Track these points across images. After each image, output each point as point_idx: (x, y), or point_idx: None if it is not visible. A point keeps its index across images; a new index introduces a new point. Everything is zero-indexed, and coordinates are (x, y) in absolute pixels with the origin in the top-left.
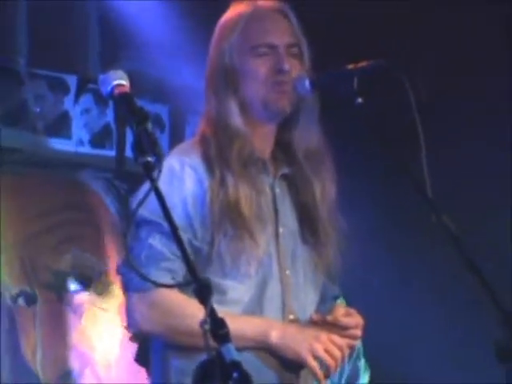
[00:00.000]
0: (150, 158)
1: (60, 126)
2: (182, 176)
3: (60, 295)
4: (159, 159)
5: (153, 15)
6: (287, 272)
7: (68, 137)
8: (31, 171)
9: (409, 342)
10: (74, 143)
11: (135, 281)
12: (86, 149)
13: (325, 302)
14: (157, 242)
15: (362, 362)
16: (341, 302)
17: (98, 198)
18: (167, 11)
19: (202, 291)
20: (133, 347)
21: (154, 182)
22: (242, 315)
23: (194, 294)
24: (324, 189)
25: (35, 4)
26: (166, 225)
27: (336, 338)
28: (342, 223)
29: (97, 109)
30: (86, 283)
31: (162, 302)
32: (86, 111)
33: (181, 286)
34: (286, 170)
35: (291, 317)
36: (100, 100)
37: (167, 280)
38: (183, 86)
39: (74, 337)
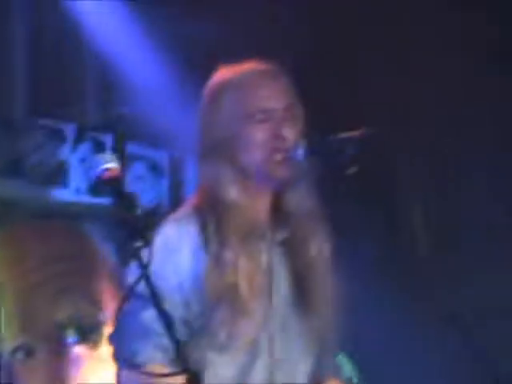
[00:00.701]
0: (139, 244)
1: (57, 175)
2: (178, 246)
3: (59, 346)
4: (147, 245)
5: (150, 62)
6: (277, 344)
7: (65, 186)
8: (29, 222)
9: None
10: (72, 192)
11: (125, 356)
12: (84, 197)
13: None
14: (148, 316)
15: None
16: (342, 357)
17: (96, 247)
18: (165, 58)
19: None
20: None
21: (144, 268)
22: None
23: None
24: (320, 254)
25: (34, 54)
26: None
27: None
28: (337, 288)
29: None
30: (85, 334)
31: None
32: (84, 160)
33: (169, 376)
34: (283, 235)
35: None
36: (98, 148)
37: (158, 357)
38: (182, 130)
39: None
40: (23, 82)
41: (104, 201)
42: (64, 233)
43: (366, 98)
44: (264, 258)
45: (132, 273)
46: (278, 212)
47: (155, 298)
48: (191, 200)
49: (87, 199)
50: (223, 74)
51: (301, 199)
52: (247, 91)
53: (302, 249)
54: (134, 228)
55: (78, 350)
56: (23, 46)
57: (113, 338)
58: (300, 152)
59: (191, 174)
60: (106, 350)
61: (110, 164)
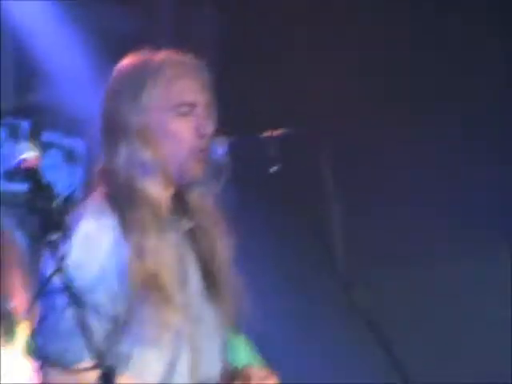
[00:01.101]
0: (55, 237)
1: None
2: (98, 239)
3: None
4: (66, 237)
5: (68, 50)
6: (196, 334)
7: None
8: None
9: None
10: None
11: (51, 354)
12: None
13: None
14: (70, 315)
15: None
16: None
17: (5, 235)
18: (83, 46)
19: (107, 379)
20: None
21: (59, 261)
22: None
23: (98, 379)
24: (223, 243)
25: None
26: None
27: None
28: (241, 277)
29: (9, 143)
30: None
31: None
32: None
33: (87, 371)
34: (188, 225)
35: None
36: (13, 134)
37: (84, 355)
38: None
39: None
40: None
41: (16, 188)
42: None
43: (286, 95)
44: (176, 247)
45: (47, 265)
46: (181, 202)
47: (70, 293)
48: (99, 188)
49: (2, 185)
50: (144, 57)
51: (204, 195)
52: (170, 80)
53: (206, 240)
54: (49, 219)
55: None
56: None
57: (35, 336)
58: (220, 151)
59: None
60: (13, 339)
61: (28, 153)
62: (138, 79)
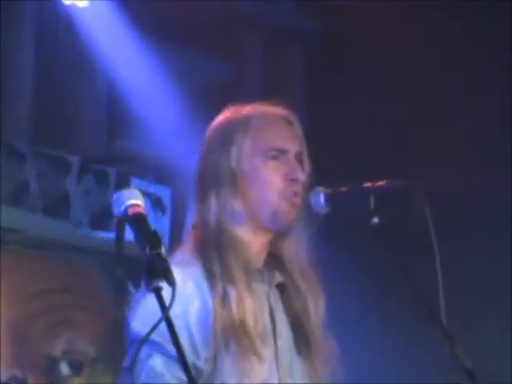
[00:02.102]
0: (162, 284)
1: (60, 206)
2: (184, 292)
3: (51, 380)
4: (171, 286)
5: (158, 97)
6: None
7: (67, 217)
8: (30, 251)
9: None
10: (73, 224)
11: None
12: (85, 230)
13: None
14: (158, 363)
15: None
16: None
17: (93, 282)
18: (172, 93)
19: None
20: None
21: (165, 310)
22: None
23: None
24: (317, 301)
25: (41, 83)
26: (169, 347)
27: None
28: (333, 341)
29: (97, 190)
30: (78, 369)
31: None
32: (87, 192)
33: None
34: (279, 279)
35: None
36: (101, 181)
37: None
38: (186, 168)
39: None
40: (29, 111)
41: (104, 234)
42: (63, 265)
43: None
44: (266, 299)
45: (138, 315)
46: (274, 255)
47: (176, 340)
48: (189, 241)
49: (88, 232)
50: (235, 111)
51: (296, 248)
52: (262, 129)
53: (297, 298)
54: (155, 266)
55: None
56: (30, 75)
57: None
58: (319, 200)
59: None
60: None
61: (135, 200)
62: (229, 131)
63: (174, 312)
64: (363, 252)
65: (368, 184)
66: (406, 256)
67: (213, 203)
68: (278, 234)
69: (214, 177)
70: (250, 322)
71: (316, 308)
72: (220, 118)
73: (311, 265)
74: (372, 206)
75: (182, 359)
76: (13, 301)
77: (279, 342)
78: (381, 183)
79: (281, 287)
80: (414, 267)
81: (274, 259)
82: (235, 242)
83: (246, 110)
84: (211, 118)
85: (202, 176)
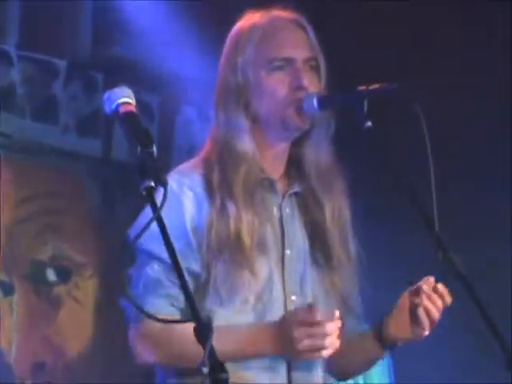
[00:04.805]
0: (153, 184)
1: (47, 111)
2: (180, 198)
3: (38, 286)
4: (162, 185)
5: (148, 3)
6: (293, 297)
7: (55, 123)
8: (17, 156)
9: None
10: (61, 129)
11: (132, 313)
12: (72, 135)
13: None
14: (154, 270)
15: None
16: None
17: (81, 187)
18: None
19: (202, 331)
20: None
21: (157, 209)
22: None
23: (193, 333)
24: (336, 210)
25: None
26: (164, 255)
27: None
28: (357, 249)
29: (85, 95)
30: (65, 275)
31: (153, 332)
32: (75, 97)
33: (179, 323)
34: (296, 188)
35: None
36: (89, 86)
37: (167, 306)
38: (175, 75)
39: (50, 329)
40: (17, 15)
41: (92, 139)
42: (50, 170)
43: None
44: (274, 211)
45: (138, 224)
46: (295, 164)
47: (167, 240)
48: (201, 151)
49: (75, 137)
50: (249, 18)
51: (316, 153)
52: (270, 38)
53: (316, 207)
54: (146, 166)
55: (58, 290)
56: None
57: (122, 299)
58: (312, 104)
59: (182, 120)
60: (85, 293)
61: (127, 98)
62: (234, 42)
63: (170, 215)
64: (356, 157)
65: (362, 87)
66: (400, 160)
67: (220, 118)
68: (296, 142)
69: (222, 91)
70: (246, 235)
71: (334, 216)
72: (235, 27)
73: (333, 171)
74: (365, 109)
75: (174, 263)
76: (2, 207)
77: (288, 252)
78: (375, 86)
79: (298, 197)
80: (407, 171)
81: (296, 168)
82: (236, 157)
83: (255, 16)
84: (201, 23)
85: (216, 91)
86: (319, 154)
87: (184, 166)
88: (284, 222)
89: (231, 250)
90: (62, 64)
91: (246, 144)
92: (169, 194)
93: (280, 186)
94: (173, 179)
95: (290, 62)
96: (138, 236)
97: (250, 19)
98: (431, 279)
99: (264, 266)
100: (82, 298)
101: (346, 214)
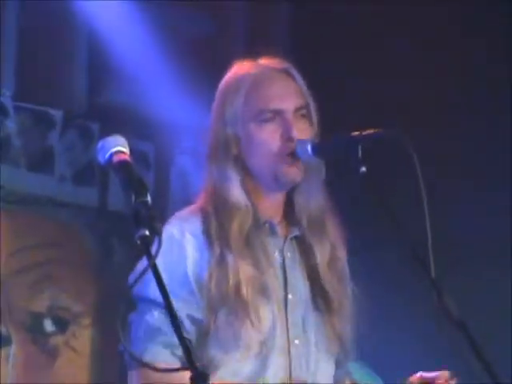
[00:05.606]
0: (147, 233)
1: (43, 161)
2: (182, 243)
3: (35, 336)
4: (156, 235)
5: (142, 50)
6: (296, 341)
7: (51, 173)
8: (13, 207)
9: None
10: (57, 179)
11: (134, 356)
12: (69, 185)
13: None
14: (154, 317)
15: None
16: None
17: (77, 237)
18: (157, 47)
19: (198, 379)
20: None
21: (151, 258)
22: None
23: (190, 381)
24: (328, 254)
25: (23, 38)
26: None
27: None
28: (354, 291)
29: (81, 145)
30: (62, 325)
31: (152, 380)
32: (70, 147)
33: (175, 371)
34: (296, 232)
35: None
36: (85, 136)
37: (166, 354)
38: (170, 123)
39: (47, 379)
40: (12, 66)
41: (88, 190)
42: (46, 221)
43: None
44: (276, 255)
45: (136, 273)
46: (290, 209)
47: (163, 290)
48: (197, 201)
49: (71, 187)
50: (237, 69)
51: (307, 201)
52: (257, 90)
53: (313, 248)
54: (141, 215)
55: (55, 340)
56: (12, 29)
57: (121, 345)
58: (306, 150)
59: (177, 169)
60: (82, 340)
61: (121, 147)
62: (223, 93)
63: (173, 262)
64: (351, 202)
65: (356, 133)
66: (395, 205)
67: (212, 170)
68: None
69: (212, 143)
70: (245, 288)
71: (328, 260)
72: (224, 78)
73: (325, 215)
74: (360, 154)
75: (169, 313)
76: None
77: (290, 296)
78: (369, 132)
79: (298, 241)
80: (402, 215)
81: (292, 213)
82: (230, 208)
83: (243, 67)
84: (195, 71)
85: (207, 142)
86: (309, 200)
87: (183, 212)
88: (286, 266)
89: (232, 302)
90: (58, 114)
91: (238, 196)
92: (171, 241)
93: (280, 229)
94: (174, 225)
95: (279, 113)
96: (133, 284)
97: (238, 70)
98: (446, 373)
99: (267, 313)
100: (79, 347)
101: (341, 258)
